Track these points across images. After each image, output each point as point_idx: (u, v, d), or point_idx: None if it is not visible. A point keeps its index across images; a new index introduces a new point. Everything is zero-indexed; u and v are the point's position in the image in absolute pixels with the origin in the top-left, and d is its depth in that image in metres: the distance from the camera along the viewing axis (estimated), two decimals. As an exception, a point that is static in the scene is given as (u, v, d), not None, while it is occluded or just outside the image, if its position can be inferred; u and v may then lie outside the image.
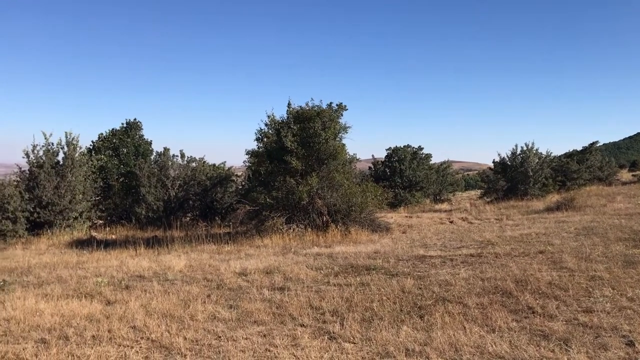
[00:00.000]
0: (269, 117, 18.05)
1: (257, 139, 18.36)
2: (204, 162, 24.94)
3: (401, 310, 7.22)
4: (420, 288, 8.43)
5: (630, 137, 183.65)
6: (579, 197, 23.48)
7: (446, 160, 41.50)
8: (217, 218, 23.37)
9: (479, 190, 37.47)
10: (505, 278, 8.61)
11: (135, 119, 28.19)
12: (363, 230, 15.76)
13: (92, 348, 6.25)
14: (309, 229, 15.87)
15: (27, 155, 20.02)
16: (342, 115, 17.11)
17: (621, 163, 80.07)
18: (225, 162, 26.66)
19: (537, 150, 31.15)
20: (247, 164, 19.38)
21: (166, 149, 24.47)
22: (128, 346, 6.31)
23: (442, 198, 36.67)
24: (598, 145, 42.30)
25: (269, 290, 8.85)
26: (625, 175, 56.34)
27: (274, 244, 14.36)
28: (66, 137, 20.65)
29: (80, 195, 20.23)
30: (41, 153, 20.13)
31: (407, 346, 5.77)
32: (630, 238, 12.15)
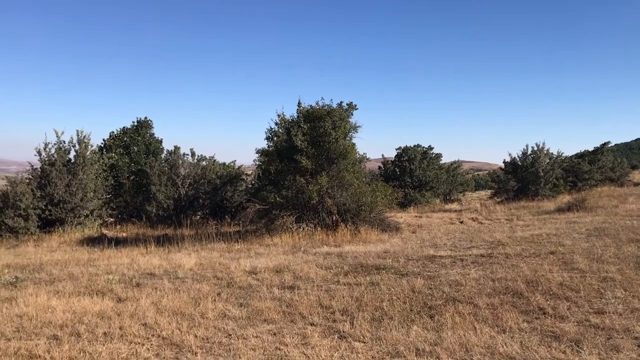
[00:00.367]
0: (279, 116, 18.09)
1: (267, 138, 18.40)
2: (214, 160, 25.02)
3: (411, 310, 7.22)
4: (430, 288, 8.41)
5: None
6: (590, 197, 23.31)
7: (456, 160, 41.34)
8: (227, 217, 23.45)
9: (489, 191, 37.30)
10: (516, 279, 8.58)
11: (146, 118, 28.34)
12: (373, 229, 15.75)
13: (103, 345, 6.29)
14: (319, 228, 15.88)
15: (39, 153, 20.17)
16: (352, 114, 17.11)
17: (633, 164, 79.38)
18: (235, 161, 26.75)
19: (548, 150, 30.98)
20: (257, 163, 19.41)
21: (177, 148, 24.57)
22: (139, 343, 6.35)
23: (452, 198, 36.54)
24: (610, 145, 41.96)
25: (278, 288, 8.87)
26: (637, 176, 55.80)
27: (284, 243, 14.39)
28: (78, 135, 20.79)
29: (92, 193, 20.36)
30: (53, 151, 20.28)
31: (418, 346, 5.77)
32: (643, 239, 12.05)
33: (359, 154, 17.84)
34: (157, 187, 22.60)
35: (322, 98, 17.00)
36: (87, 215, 20.20)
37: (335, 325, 6.69)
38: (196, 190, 23.45)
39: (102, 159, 22.90)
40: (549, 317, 6.58)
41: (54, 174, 19.44)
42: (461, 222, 18.50)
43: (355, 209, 16.08)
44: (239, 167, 26.15)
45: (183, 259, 11.89)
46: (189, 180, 23.61)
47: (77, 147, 20.67)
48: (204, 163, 24.57)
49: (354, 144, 17.11)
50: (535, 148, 30.68)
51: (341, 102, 17.11)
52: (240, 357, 5.72)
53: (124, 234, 19.59)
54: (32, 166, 20.41)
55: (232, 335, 6.50)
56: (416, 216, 22.59)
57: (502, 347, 5.59)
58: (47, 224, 19.13)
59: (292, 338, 6.26)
